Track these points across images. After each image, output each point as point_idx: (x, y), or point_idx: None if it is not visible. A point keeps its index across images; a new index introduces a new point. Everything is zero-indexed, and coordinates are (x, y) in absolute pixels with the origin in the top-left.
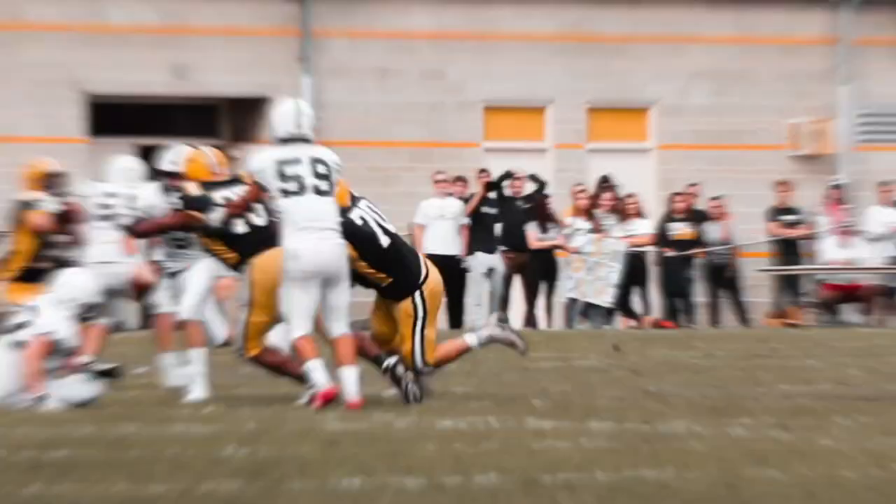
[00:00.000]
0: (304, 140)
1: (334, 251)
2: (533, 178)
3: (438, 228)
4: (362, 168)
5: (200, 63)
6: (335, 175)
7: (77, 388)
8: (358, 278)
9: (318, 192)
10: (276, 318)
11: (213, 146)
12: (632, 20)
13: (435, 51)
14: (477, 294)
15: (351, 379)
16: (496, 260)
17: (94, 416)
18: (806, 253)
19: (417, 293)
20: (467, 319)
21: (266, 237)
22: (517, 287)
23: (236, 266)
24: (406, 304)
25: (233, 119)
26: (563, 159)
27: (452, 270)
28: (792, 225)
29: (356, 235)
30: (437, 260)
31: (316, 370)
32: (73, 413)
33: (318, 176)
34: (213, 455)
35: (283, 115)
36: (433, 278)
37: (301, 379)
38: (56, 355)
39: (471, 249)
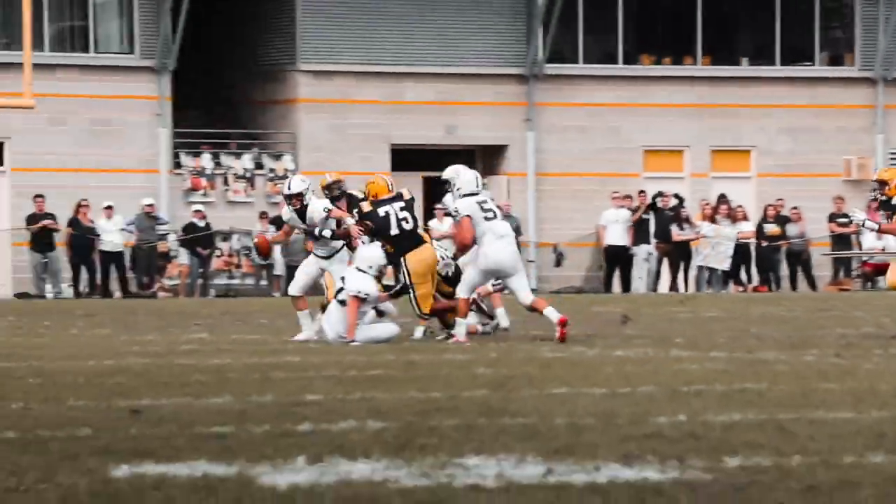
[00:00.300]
0: (482, 191)
1: (513, 252)
2: (675, 196)
3: (614, 229)
4: (568, 190)
5: (464, 123)
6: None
7: (378, 330)
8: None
9: (501, 216)
10: (432, 289)
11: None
12: (739, 95)
13: (612, 114)
14: (640, 270)
15: (551, 313)
16: (651, 248)
17: (392, 348)
18: (854, 243)
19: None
20: (633, 287)
21: (413, 237)
22: (665, 266)
23: (392, 257)
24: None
25: (483, 159)
26: (695, 184)
27: (623, 256)
28: (844, 225)
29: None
30: (613, 249)
31: (462, 325)
32: (379, 346)
33: (494, 208)
34: (471, 373)
35: (470, 180)
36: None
37: (446, 323)
38: (364, 306)
39: (635, 241)
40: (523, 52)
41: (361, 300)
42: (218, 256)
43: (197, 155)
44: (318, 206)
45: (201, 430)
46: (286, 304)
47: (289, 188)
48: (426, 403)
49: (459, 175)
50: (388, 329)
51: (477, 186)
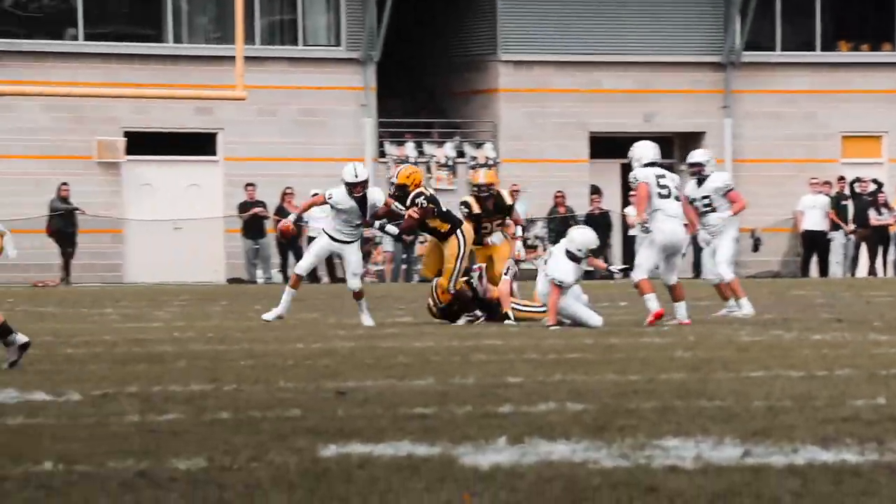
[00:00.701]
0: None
1: (683, 232)
2: (874, 181)
3: (812, 214)
4: (765, 176)
5: (661, 111)
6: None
7: (586, 314)
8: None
9: (675, 197)
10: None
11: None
12: None
13: (809, 100)
14: (837, 255)
15: (682, 308)
16: (845, 234)
17: (591, 332)
18: None
19: (459, 232)
20: (830, 272)
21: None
22: (863, 250)
23: (444, 235)
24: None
25: (681, 146)
26: (893, 169)
27: (821, 241)
28: None
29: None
30: (811, 234)
31: (651, 300)
32: (578, 330)
33: (670, 186)
34: (668, 356)
35: (648, 152)
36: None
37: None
38: (563, 292)
39: (833, 227)
40: (720, 40)
41: (559, 287)
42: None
43: (401, 144)
44: (378, 196)
45: (405, 411)
46: None
47: (355, 175)
48: (624, 386)
49: (637, 147)
50: (593, 318)
51: (654, 157)
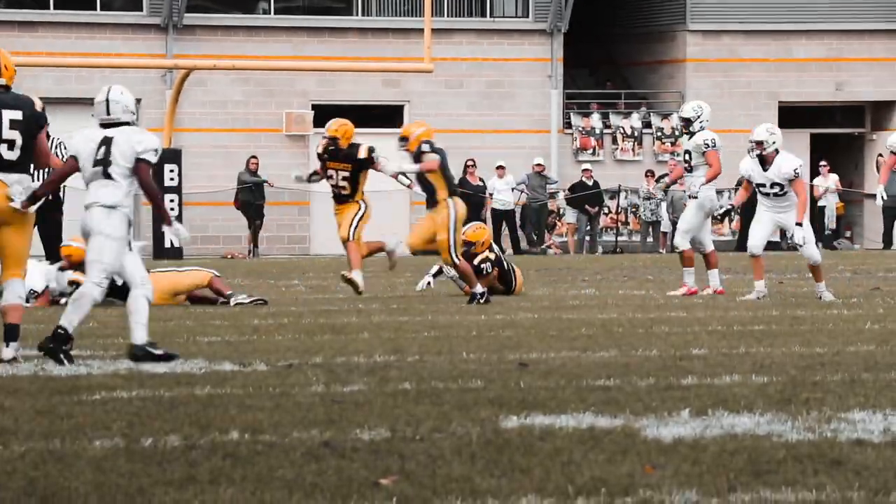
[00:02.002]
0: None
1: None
2: None
3: None
4: None
5: (853, 79)
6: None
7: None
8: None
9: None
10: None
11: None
12: None
13: None
14: None
15: (714, 276)
16: None
17: (776, 304)
18: None
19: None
20: None
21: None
22: None
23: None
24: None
25: (873, 115)
26: None
27: None
28: None
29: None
30: None
31: (690, 275)
32: (763, 302)
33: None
34: (856, 327)
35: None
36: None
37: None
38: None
39: None
40: None
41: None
42: (606, 214)
43: (586, 115)
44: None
45: (587, 382)
46: (673, 260)
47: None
48: (810, 358)
49: (704, 109)
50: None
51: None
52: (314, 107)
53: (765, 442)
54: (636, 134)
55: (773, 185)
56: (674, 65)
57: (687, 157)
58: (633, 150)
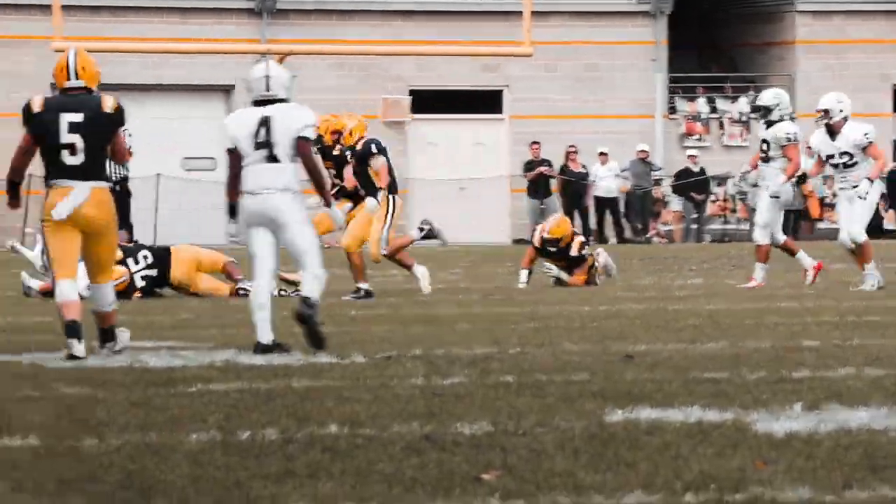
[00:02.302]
0: None
1: None
2: None
3: None
4: None
5: None
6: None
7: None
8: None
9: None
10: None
11: None
12: None
13: None
14: None
15: (805, 259)
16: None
17: (890, 295)
18: None
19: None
20: None
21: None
22: None
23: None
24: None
25: None
26: None
27: None
28: None
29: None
30: None
31: (805, 258)
32: (879, 293)
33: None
34: None
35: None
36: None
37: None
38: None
39: None
40: None
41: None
42: (713, 202)
43: (692, 99)
44: None
45: (695, 375)
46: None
47: None
48: None
49: (783, 98)
50: None
51: None
52: (411, 92)
53: (881, 437)
54: (743, 119)
55: (842, 153)
56: (783, 47)
57: (765, 146)
58: (741, 135)
